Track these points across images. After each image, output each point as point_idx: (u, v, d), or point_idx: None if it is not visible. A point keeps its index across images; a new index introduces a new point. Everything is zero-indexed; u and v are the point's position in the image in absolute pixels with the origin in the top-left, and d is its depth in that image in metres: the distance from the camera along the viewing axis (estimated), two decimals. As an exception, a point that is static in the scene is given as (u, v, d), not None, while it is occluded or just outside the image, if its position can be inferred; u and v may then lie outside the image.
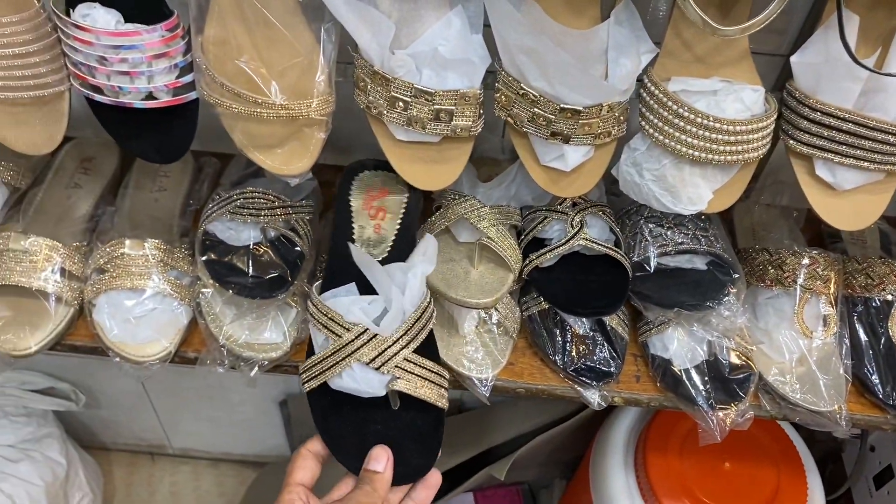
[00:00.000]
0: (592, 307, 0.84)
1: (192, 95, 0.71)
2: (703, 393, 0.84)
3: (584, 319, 0.88)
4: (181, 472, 1.77)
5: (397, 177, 0.75)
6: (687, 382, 0.85)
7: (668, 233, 0.88)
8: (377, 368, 0.67)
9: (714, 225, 0.90)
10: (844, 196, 0.73)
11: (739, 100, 0.69)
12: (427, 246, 0.70)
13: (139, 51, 0.66)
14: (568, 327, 0.89)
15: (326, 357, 0.68)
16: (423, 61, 0.69)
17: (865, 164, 0.70)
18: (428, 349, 0.71)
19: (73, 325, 0.87)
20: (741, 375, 0.86)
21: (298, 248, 0.86)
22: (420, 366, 0.69)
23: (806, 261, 0.89)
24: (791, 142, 0.71)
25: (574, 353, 0.87)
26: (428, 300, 0.71)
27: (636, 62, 0.68)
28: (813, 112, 0.69)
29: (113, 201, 0.97)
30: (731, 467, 1.16)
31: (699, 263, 0.87)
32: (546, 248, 0.85)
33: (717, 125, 0.68)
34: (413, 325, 0.69)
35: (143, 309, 0.84)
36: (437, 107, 0.68)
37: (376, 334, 0.67)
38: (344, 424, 0.68)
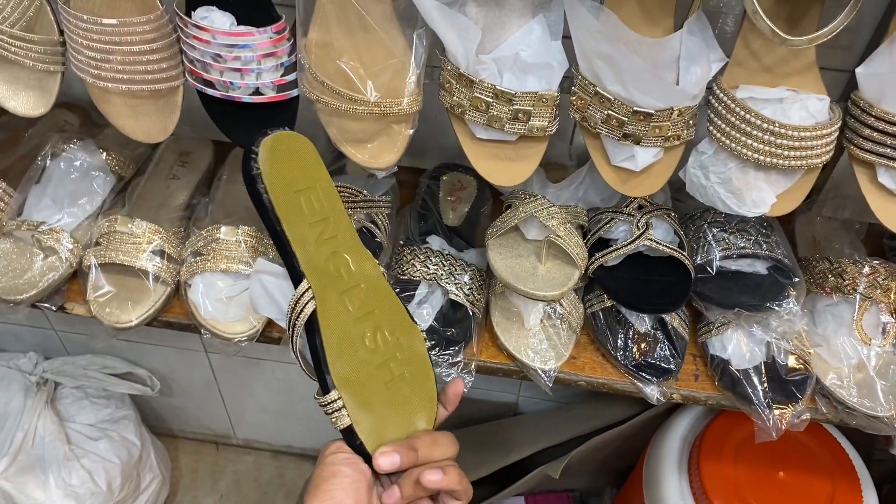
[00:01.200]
0: (655, 304, 0.88)
1: (294, 92, 0.78)
2: (761, 393, 0.87)
3: (646, 318, 0.92)
4: (244, 461, 1.84)
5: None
6: (745, 382, 0.88)
7: (731, 237, 0.91)
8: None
9: (776, 232, 0.93)
10: (906, 202, 0.75)
11: (805, 108, 0.73)
12: None
13: (251, 50, 0.73)
14: (630, 325, 0.93)
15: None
16: (505, 65, 0.74)
17: (928, 171, 0.72)
18: None
19: (169, 303, 0.94)
20: (799, 377, 0.88)
21: (378, 240, 0.92)
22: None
23: (867, 270, 0.91)
24: (854, 149, 0.75)
25: (635, 350, 0.91)
26: None
27: (706, 69, 0.72)
28: (877, 121, 0.72)
29: (207, 192, 1.04)
30: (786, 476, 1.17)
31: (760, 268, 0.90)
32: (612, 248, 0.90)
33: (783, 130, 0.72)
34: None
35: (234, 290, 0.91)
36: (517, 107, 0.74)
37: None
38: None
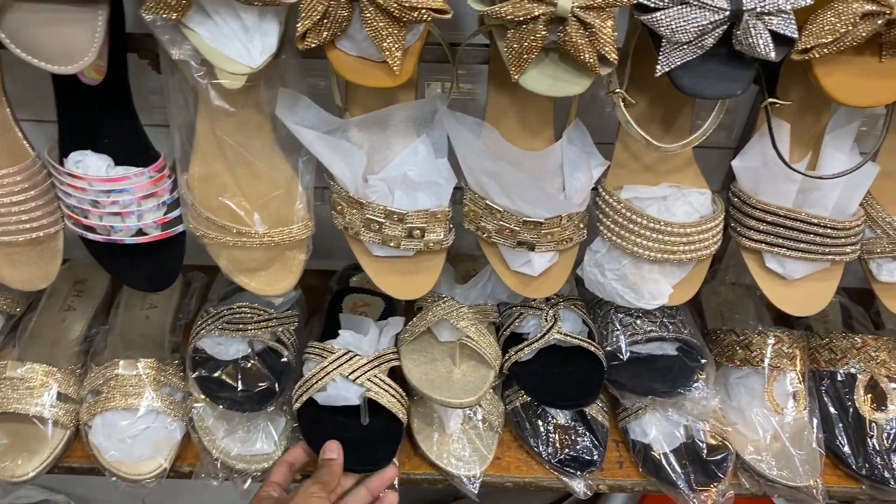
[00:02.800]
0: (571, 399, 0.88)
1: (180, 228, 0.76)
2: (683, 476, 0.87)
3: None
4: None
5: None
6: (667, 467, 0.88)
7: (638, 321, 0.92)
8: (354, 380, 0.83)
9: (681, 311, 0.95)
10: (795, 285, 0.78)
11: (688, 203, 0.75)
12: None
13: (129, 193, 0.71)
14: (550, 418, 0.92)
15: (317, 373, 0.84)
16: (395, 184, 0.74)
17: (810, 255, 0.75)
18: (392, 378, 0.87)
19: (69, 448, 0.89)
20: (719, 456, 0.89)
21: (285, 359, 0.90)
22: (387, 384, 0.85)
23: (771, 340, 0.93)
24: (740, 238, 0.77)
25: (557, 444, 0.90)
26: (394, 349, 0.89)
27: (588, 176, 0.74)
28: (756, 211, 0.74)
29: (105, 321, 1.00)
30: (724, 542, 1.17)
31: (669, 349, 0.92)
32: (524, 343, 0.89)
33: (669, 228, 0.73)
34: (384, 354, 0.87)
35: (137, 428, 0.87)
36: (410, 225, 0.73)
37: (356, 354, 0.84)
38: (326, 433, 0.83)
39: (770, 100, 0.67)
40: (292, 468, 0.82)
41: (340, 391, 0.84)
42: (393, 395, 0.85)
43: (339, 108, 0.72)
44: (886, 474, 0.88)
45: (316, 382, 0.84)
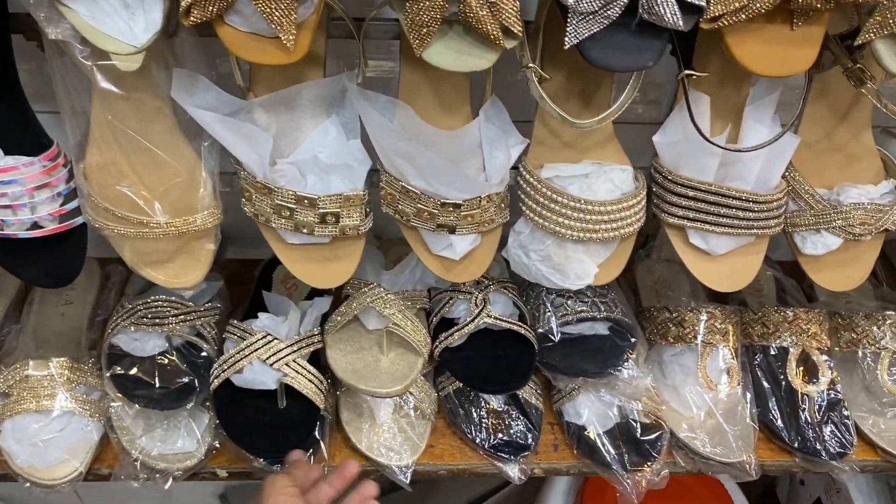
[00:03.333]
0: (502, 383, 0.86)
1: (79, 220, 0.71)
2: (617, 457, 0.86)
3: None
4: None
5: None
6: (601, 448, 0.87)
7: (569, 302, 0.91)
8: (271, 365, 0.81)
9: (612, 290, 0.94)
10: (720, 260, 0.76)
11: (609, 180, 0.73)
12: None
13: (19, 184, 0.66)
14: (483, 403, 0.90)
15: (234, 355, 0.82)
16: (307, 168, 0.71)
17: (733, 230, 0.74)
18: (314, 364, 0.85)
19: (-21, 454, 0.84)
20: (653, 435, 0.88)
21: (205, 354, 0.86)
22: (305, 369, 0.83)
23: (704, 316, 0.92)
24: (663, 215, 0.75)
25: (491, 429, 0.89)
26: (318, 331, 0.87)
27: (507, 155, 0.71)
28: (677, 186, 0.73)
29: (18, 318, 0.95)
30: (667, 517, 1.18)
31: (601, 329, 0.90)
32: (453, 329, 0.87)
33: (591, 207, 0.71)
34: (305, 338, 0.84)
35: (50, 431, 0.83)
36: (323, 210, 0.70)
37: (274, 338, 0.82)
38: (240, 415, 0.82)
39: (686, 71, 0.65)
40: (309, 479, 0.77)
41: (257, 375, 0.81)
42: (311, 381, 0.82)
43: (242, 88, 0.68)
44: (818, 446, 0.88)
45: (232, 364, 0.82)
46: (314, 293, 0.94)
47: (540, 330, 0.90)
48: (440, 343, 0.87)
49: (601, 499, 1.18)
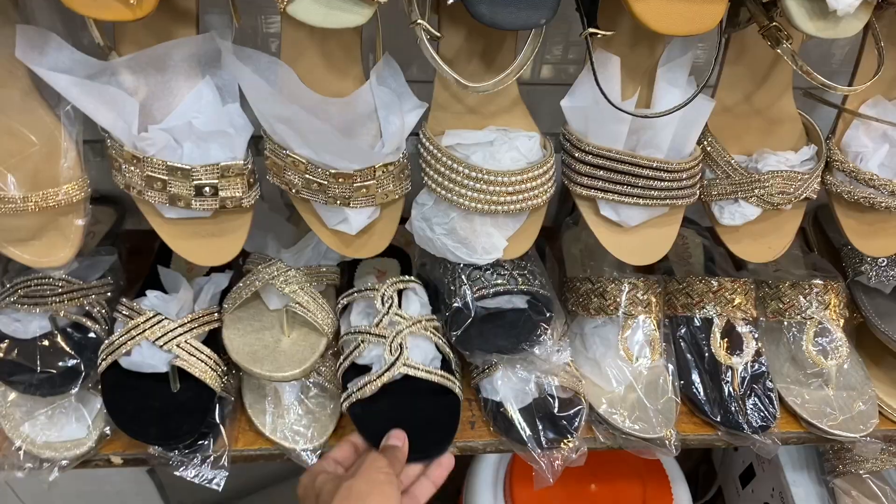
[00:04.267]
0: (419, 451, 0.74)
1: (-72, 195, 0.64)
2: (533, 434, 0.83)
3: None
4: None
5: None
6: (517, 425, 0.84)
7: (486, 275, 0.85)
8: (161, 346, 0.76)
9: (532, 260, 0.89)
10: (633, 232, 0.72)
11: (515, 148, 0.68)
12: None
13: None
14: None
15: (121, 336, 0.76)
16: (182, 135, 0.65)
17: (646, 200, 0.69)
18: (212, 344, 0.80)
19: None
20: (571, 411, 0.85)
21: (94, 335, 0.80)
22: (199, 350, 0.77)
23: (626, 287, 0.89)
24: (572, 185, 0.71)
25: (404, 408, 0.84)
26: (216, 309, 0.82)
27: (401, 120, 0.65)
28: (587, 155, 0.68)
29: None
30: (598, 489, 1.17)
31: (519, 302, 0.86)
32: (364, 380, 0.77)
33: (494, 178, 0.66)
34: (199, 317, 0.79)
35: None
36: (198, 182, 0.64)
37: (165, 318, 0.77)
38: (128, 400, 0.77)
39: (589, 30, 0.60)
40: (357, 449, 0.75)
41: (146, 357, 0.76)
42: (205, 363, 0.77)
43: (102, 47, 0.61)
44: (741, 420, 0.86)
45: (119, 346, 0.76)
46: (215, 268, 0.88)
47: (457, 304, 0.85)
48: (348, 397, 0.78)
49: (531, 475, 1.16)
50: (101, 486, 1.55)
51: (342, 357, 0.81)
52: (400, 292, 0.83)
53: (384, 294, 0.80)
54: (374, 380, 0.76)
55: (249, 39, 0.82)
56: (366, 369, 0.80)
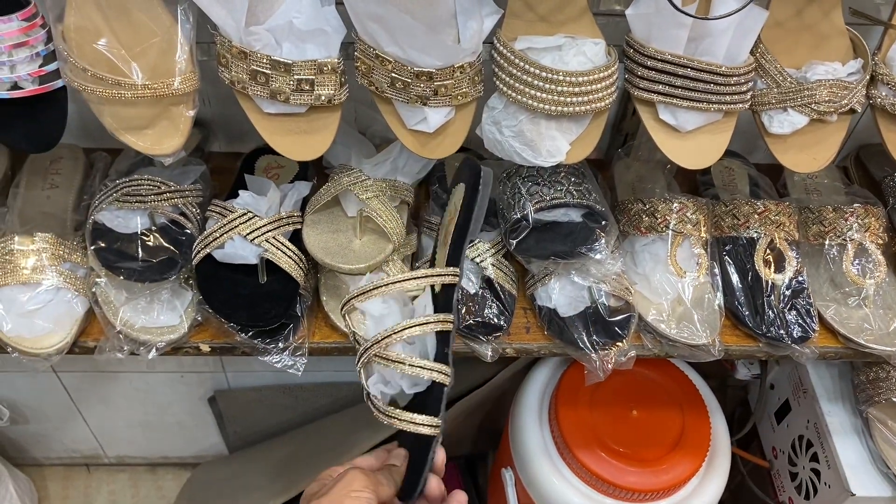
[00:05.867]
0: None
1: (59, 83, 0.73)
2: (586, 336, 0.89)
3: (472, 278, 0.92)
4: (118, 480, 1.76)
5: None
6: (570, 328, 0.90)
7: (544, 189, 0.92)
8: (252, 241, 0.83)
9: (588, 180, 0.95)
10: (688, 137, 0.78)
11: (582, 53, 0.74)
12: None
13: (-3, 41, 0.67)
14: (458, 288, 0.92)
15: (216, 231, 0.84)
16: (282, 35, 0.72)
17: (702, 104, 0.75)
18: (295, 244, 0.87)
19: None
20: (622, 317, 0.91)
21: (189, 231, 0.88)
22: (285, 245, 0.85)
23: (676, 206, 0.94)
24: (633, 90, 0.77)
25: (465, 312, 0.91)
26: (299, 213, 0.90)
27: (480, 23, 0.72)
28: (649, 59, 0.74)
29: (4, 202, 0.97)
30: (639, 414, 1.22)
31: (575, 216, 0.92)
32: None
33: (562, 77, 0.73)
34: (285, 217, 0.87)
35: (37, 302, 0.85)
36: (298, 77, 0.71)
37: (255, 215, 0.85)
38: (221, 287, 0.85)
39: (656, -63, 0.66)
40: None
41: (238, 250, 0.84)
42: (290, 258, 0.85)
43: (217, -50, 0.69)
44: (781, 332, 0.91)
45: (214, 240, 0.84)
46: (296, 180, 0.96)
47: (516, 216, 0.92)
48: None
49: (575, 398, 1.22)
50: (163, 415, 1.65)
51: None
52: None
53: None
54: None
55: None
56: None
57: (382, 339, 0.69)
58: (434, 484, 0.65)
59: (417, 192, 0.99)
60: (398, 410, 0.68)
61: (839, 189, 1.06)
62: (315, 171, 1.01)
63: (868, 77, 0.78)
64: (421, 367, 0.67)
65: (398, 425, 0.67)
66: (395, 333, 0.68)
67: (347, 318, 0.80)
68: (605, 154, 1.15)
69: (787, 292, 0.93)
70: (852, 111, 0.79)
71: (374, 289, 0.72)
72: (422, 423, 0.66)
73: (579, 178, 0.95)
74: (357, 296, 0.73)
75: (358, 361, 0.72)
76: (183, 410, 1.63)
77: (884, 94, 0.79)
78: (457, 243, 0.73)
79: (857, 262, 0.94)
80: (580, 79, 0.73)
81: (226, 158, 1.06)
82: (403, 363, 0.67)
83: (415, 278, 0.72)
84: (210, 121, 1.06)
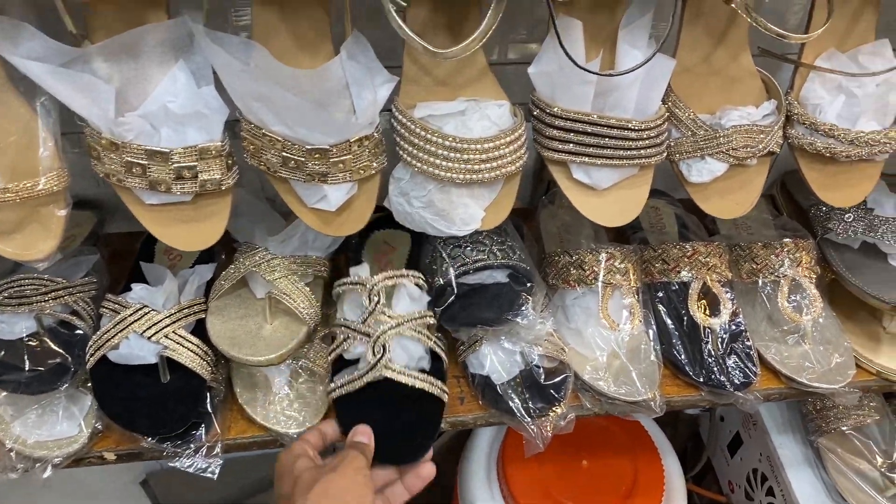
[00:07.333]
0: (393, 455, 0.74)
1: None
2: (521, 404, 0.84)
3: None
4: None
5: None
6: (505, 396, 0.85)
7: (467, 251, 0.88)
8: (150, 338, 0.76)
9: (511, 236, 0.91)
10: (605, 194, 0.74)
11: (486, 117, 0.70)
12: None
13: None
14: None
15: (109, 330, 0.77)
16: (159, 120, 0.66)
17: (616, 161, 0.71)
18: (200, 334, 0.81)
19: None
20: (557, 379, 0.87)
21: (82, 331, 0.81)
22: (188, 340, 0.78)
23: (603, 256, 0.91)
24: (543, 150, 0.73)
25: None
26: (202, 300, 0.83)
27: (373, 94, 0.67)
28: (556, 119, 0.70)
29: None
30: (589, 464, 1.18)
31: (500, 277, 0.87)
32: (345, 379, 0.78)
33: (467, 146, 0.68)
34: (186, 307, 0.80)
35: None
36: (177, 165, 0.65)
37: (151, 310, 0.78)
38: (119, 392, 0.77)
39: (551, -6, 0.62)
40: (325, 438, 0.75)
41: (134, 350, 0.77)
42: (194, 353, 0.78)
43: (74, 35, 0.63)
44: (722, 378, 0.88)
45: (107, 341, 0.77)
46: (199, 262, 0.89)
47: (440, 282, 0.87)
48: (333, 390, 0.79)
49: (523, 454, 1.17)
50: (94, 501, 1.54)
51: (331, 348, 0.82)
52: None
53: (371, 289, 0.79)
54: (356, 379, 0.76)
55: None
56: (355, 362, 0.80)
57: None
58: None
59: (336, 261, 0.94)
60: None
61: (768, 222, 1.04)
62: (222, 247, 0.94)
63: (783, 118, 0.75)
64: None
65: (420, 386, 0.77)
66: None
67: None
68: (530, 202, 1.12)
69: (725, 336, 0.90)
70: (771, 153, 0.76)
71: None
72: (438, 387, 0.79)
73: (502, 235, 0.90)
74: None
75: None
76: (115, 496, 1.52)
77: (800, 133, 0.76)
78: None
79: (792, 298, 0.92)
80: (486, 145, 0.68)
81: (125, 240, 0.99)
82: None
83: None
84: (105, 201, 0.99)
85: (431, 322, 0.82)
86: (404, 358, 0.78)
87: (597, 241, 0.97)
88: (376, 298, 0.79)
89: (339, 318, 0.83)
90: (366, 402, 0.76)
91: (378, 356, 0.76)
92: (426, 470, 0.73)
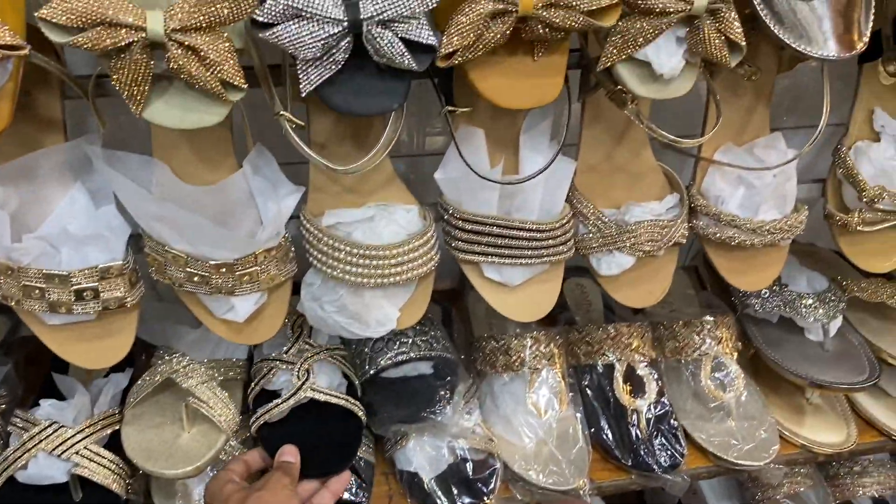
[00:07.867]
0: (319, 466, 0.77)
1: None
2: (449, 501, 0.83)
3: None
4: None
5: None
6: (433, 494, 0.84)
7: (389, 345, 0.87)
8: (60, 456, 0.74)
9: (434, 325, 0.91)
10: (517, 291, 0.75)
11: (394, 222, 0.70)
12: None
13: None
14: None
15: (15, 450, 0.74)
16: (60, 242, 0.65)
17: (524, 260, 0.72)
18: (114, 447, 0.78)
19: None
20: (486, 472, 0.86)
21: (-14, 449, 0.78)
22: (99, 455, 0.76)
23: (528, 342, 0.91)
24: (455, 252, 0.73)
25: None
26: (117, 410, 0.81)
27: (278, 205, 0.67)
28: (464, 222, 0.71)
29: None
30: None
31: (424, 368, 0.87)
32: (272, 403, 0.80)
33: (376, 252, 0.68)
34: (99, 420, 0.77)
35: None
36: (77, 286, 0.64)
37: (61, 426, 0.75)
38: None
39: (448, 108, 0.63)
40: (249, 467, 0.76)
41: (43, 469, 0.74)
42: (107, 468, 0.75)
43: (-33, 162, 0.62)
44: (650, 461, 0.88)
45: (15, 461, 0.74)
46: (115, 368, 0.87)
47: (365, 377, 0.86)
48: (257, 418, 0.80)
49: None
50: None
51: (253, 383, 0.83)
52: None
53: (293, 323, 0.85)
54: (282, 403, 0.79)
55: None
56: (275, 395, 0.81)
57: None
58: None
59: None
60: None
61: (691, 297, 1.06)
62: (142, 349, 0.92)
63: (686, 210, 0.77)
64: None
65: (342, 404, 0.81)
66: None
67: None
68: (460, 282, 1.12)
69: (651, 417, 0.91)
70: (678, 244, 0.78)
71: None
72: (357, 406, 0.82)
73: (426, 325, 0.90)
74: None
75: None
76: None
77: (705, 223, 0.78)
78: None
79: (714, 375, 0.93)
80: (395, 251, 0.69)
81: (40, 345, 0.95)
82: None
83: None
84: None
85: (344, 353, 0.87)
86: (326, 381, 0.82)
87: (523, 325, 0.97)
88: (299, 331, 0.85)
89: (260, 357, 0.86)
90: (291, 423, 0.80)
91: (303, 379, 0.80)
92: (345, 474, 0.78)
